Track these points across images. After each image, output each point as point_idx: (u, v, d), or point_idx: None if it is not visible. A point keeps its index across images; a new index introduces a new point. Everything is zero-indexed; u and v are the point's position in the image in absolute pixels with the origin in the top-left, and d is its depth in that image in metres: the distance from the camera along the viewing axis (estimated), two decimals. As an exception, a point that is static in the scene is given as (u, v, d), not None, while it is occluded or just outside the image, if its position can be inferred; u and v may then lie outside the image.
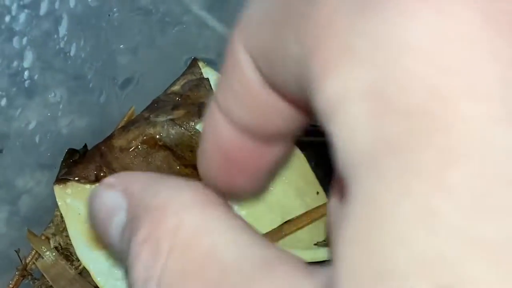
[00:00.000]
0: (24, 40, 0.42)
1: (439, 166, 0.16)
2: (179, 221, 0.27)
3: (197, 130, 0.47)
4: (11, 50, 0.42)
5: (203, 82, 0.50)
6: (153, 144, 0.48)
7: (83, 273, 0.50)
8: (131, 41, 0.55)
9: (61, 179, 0.49)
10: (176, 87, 0.51)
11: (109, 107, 0.56)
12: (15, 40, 0.41)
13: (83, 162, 0.49)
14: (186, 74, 0.52)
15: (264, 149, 0.29)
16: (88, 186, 0.48)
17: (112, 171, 0.47)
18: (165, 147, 0.47)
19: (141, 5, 0.54)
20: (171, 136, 0.47)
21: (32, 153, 0.49)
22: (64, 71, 0.49)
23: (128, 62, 0.56)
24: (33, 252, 0.51)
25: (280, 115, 0.27)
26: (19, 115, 0.45)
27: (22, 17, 0.41)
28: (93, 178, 0.48)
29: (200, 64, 0.53)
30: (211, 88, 0.49)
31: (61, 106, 0.50)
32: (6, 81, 0.43)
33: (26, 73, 0.44)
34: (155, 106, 0.50)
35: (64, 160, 0.52)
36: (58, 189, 0.49)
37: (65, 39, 0.46)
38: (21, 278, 0.50)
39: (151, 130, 0.48)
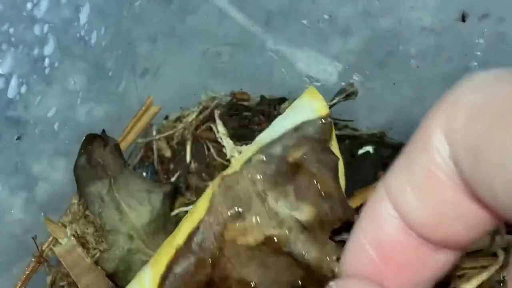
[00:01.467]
0: (45, 27, 0.42)
1: None
2: None
3: (331, 246, 0.38)
4: (32, 38, 0.41)
5: (329, 157, 0.39)
6: (277, 249, 0.39)
7: (100, 262, 0.50)
8: (151, 30, 0.55)
9: None
10: (293, 151, 0.38)
11: (127, 96, 0.56)
12: (36, 27, 0.41)
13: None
14: (301, 131, 0.39)
15: (428, 253, 0.25)
16: None
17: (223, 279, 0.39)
18: (289, 253, 0.39)
19: (162, -6, 0.53)
20: (299, 244, 0.38)
21: (50, 140, 0.49)
22: (84, 59, 0.48)
23: (147, 51, 0.55)
24: (50, 239, 0.51)
25: (465, 219, 0.23)
26: (38, 103, 0.45)
27: (44, 4, 0.41)
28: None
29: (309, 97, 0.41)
30: (336, 174, 0.38)
31: (80, 94, 0.50)
32: (27, 68, 0.42)
33: (46, 61, 0.44)
34: (264, 171, 0.39)
35: (83, 146, 0.52)
36: None
37: (86, 27, 0.46)
38: (38, 265, 0.50)
39: (275, 231, 0.38)
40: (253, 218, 0.38)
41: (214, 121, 0.59)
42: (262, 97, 0.61)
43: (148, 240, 0.51)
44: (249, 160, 0.38)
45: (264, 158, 0.38)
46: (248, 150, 0.40)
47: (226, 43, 0.57)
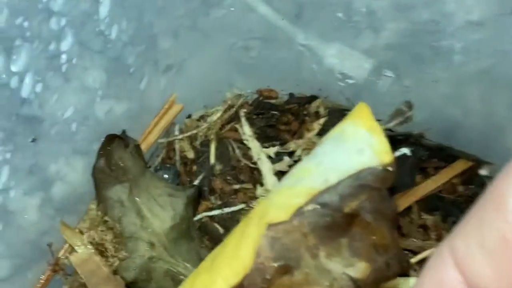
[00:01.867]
0: (63, 21, 0.39)
1: None
2: None
3: None
4: (48, 32, 0.39)
5: (388, 205, 0.35)
6: None
7: (118, 271, 0.47)
8: (174, 24, 0.52)
9: None
10: (349, 201, 0.35)
11: (149, 93, 0.54)
12: (53, 21, 0.39)
13: None
14: (359, 180, 0.35)
15: None
16: None
17: None
18: None
19: (186, -14, 0.51)
20: None
21: (68, 140, 0.47)
22: (104, 55, 0.46)
23: (170, 46, 0.53)
24: (66, 246, 0.49)
25: None
26: (55, 101, 0.43)
27: (61, -4, 0.38)
28: None
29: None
30: (394, 223, 0.35)
31: (99, 91, 0.47)
32: (43, 64, 0.40)
33: (63, 57, 0.41)
34: (318, 223, 0.35)
35: (102, 147, 0.50)
36: None
37: (106, 21, 0.43)
38: (53, 274, 0.48)
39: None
40: (302, 274, 0.35)
41: (239, 120, 0.57)
42: (290, 95, 0.58)
43: (170, 247, 0.49)
44: (300, 209, 0.35)
45: (318, 209, 0.35)
46: (290, 187, 0.36)
47: (253, 37, 0.55)
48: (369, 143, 0.35)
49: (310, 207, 0.34)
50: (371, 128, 0.36)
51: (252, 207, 0.52)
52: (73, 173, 0.49)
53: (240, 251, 0.35)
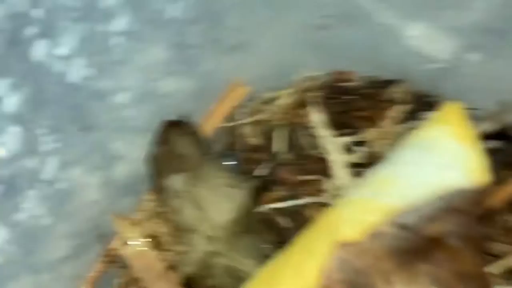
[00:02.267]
0: None
1: None
2: None
3: None
4: (100, 10, 0.37)
5: (477, 231, 0.32)
6: None
7: (174, 266, 0.46)
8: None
9: None
10: (433, 224, 0.32)
11: (213, 74, 0.52)
12: None
13: None
14: (447, 202, 0.31)
15: None
16: None
17: None
18: None
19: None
20: None
21: (126, 119, 0.46)
22: (163, 33, 0.44)
23: (236, 24, 0.51)
24: (119, 237, 0.47)
25: None
26: (111, 82, 0.42)
27: (114, -32, 0.36)
28: None
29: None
30: (481, 251, 0.33)
31: (158, 72, 0.46)
32: (95, 43, 0.38)
33: (116, 37, 0.39)
34: (394, 246, 0.32)
35: (159, 133, 0.47)
36: None
37: (165, -4, 0.42)
38: (106, 266, 0.46)
39: None
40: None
41: (309, 105, 0.54)
42: (367, 78, 0.55)
43: (230, 242, 0.47)
44: (376, 229, 0.31)
45: (396, 231, 0.31)
46: (364, 200, 0.33)
47: (328, 14, 0.51)
48: (461, 157, 0.31)
49: (387, 228, 0.31)
50: (464, 138, 0.32)
51: (321, 202, 0.49)
52: (133, 153, 0.48)
53: (304, 268, 0.33)
